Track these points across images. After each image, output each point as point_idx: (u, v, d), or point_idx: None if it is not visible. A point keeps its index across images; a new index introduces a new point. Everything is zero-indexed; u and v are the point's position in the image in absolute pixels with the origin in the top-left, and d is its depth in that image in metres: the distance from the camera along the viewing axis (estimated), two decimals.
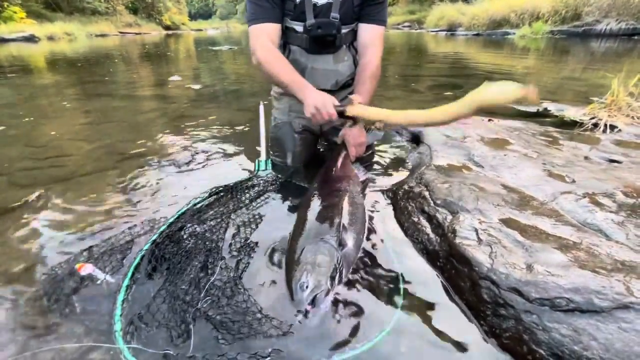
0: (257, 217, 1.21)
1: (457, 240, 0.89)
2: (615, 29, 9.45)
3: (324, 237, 0.92)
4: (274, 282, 0.91)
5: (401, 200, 1.23)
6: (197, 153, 1.84)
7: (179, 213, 1.18)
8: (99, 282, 0.91)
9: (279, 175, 1.46)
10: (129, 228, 1.13)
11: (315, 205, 1.13)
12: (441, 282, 0.89)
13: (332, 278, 0.81)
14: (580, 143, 1.63)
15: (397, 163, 1.67)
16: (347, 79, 1.52)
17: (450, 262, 0.88)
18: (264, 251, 1.03)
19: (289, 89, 1.27)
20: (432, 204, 1.09)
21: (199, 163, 1.71)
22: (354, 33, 1.44)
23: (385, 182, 1.47)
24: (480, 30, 13.37)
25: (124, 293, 0.86)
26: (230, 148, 1.91)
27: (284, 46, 1.45)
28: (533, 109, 2.58)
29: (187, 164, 1.70)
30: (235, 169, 1.64)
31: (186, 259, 0.96)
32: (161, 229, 1.09)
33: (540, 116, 2.43)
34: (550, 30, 10.88)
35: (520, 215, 0.95)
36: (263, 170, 1.50)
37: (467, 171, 1.31)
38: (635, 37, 8.84)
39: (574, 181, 1.13)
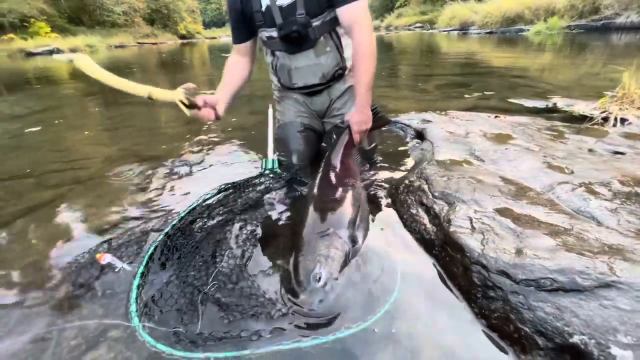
0: (262, 211, 1.27)
1: (452, 229, 0.92)
2: (637, 22, 9.14)
3: (336, 231, 0.95)
4: (276, 269, 0.97)
5: (401, 194, 1.27)
6: (208, 154, 1.93)
7: (190, 208, 1.25)
8: (117, 269, 0.99)
9: (285, 173, 1.52)
10: (144, 222, 1.22)
11: (323, 195, 1.16)
12: (436, 268, 0.93)
13: (341, 270, 0.86)
14: (586, 136, 1.62)
15: (401, 159, 1.70)
16: (334, 69, 1.50)
17: (445, 250, 0.92)
18: (268, 242, 1.09)
19: None
20: (430, 196, 1.13)
21: (210, 163, 1.80)
22: (331, 22, 1.40)
23: (388, 177, 1.51)
24: (493, 28, 13.16)
25: (139, 279, 0.93)
26: (239, 148, 1.99)
27: (273, 54, 1.52)
28: (542, 105, 2.56)
29: (199, 164, 1.78)
30: (243, 168, 1.72)
31: (196, 249, 1.03)
32: (173, 223, 1.16)
33: (549, 112, 2.40)
34: (567, 25, 10.60)
35: (515, 204, 0.98)
36: (269, 169, 1.56)
37: (467, 165, 1.33)
38: None
39: (572, 172, 1.14)
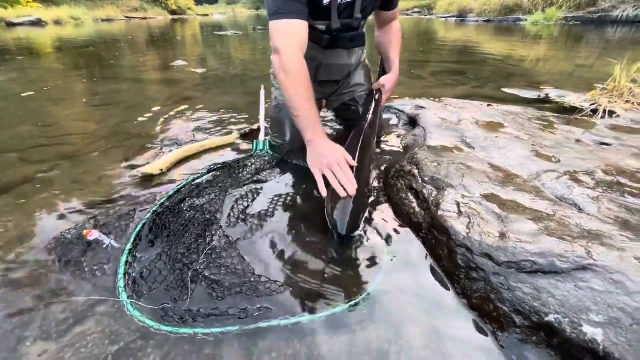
0: (253, 191, 1.27)
1: (439, 213, 0.94)
2: (632, 16, 9.15)
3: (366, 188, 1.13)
4: (267, 247, 0.98)
5: (392, 179, 1.28)
6: (198, 133, 1.89)
7: (179, 187, 1.24)
8: (104, 246, 0.98)
9: (276, 155, 1.51)
10: (132, 200, 1.21)
11: (363, 152, 1.22)
12: (422, 251, 0.95)
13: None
14: (574, 127, 1.64)
15: (392, 144, 1.71)
16: (354, 65, 1.57)
17: (432, 233, 0.94)
18: (258, 221, 1.10)
19: (299, 119, 1.12)
20: (420, 181, 1.14)
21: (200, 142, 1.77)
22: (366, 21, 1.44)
23: (379, 162, 1.52)
24: (491, 16, 13.03)
25: (127, 256, 0.93)
26: (230, 129, 1.96)
27: None
28: (534, 95, 2.57)
29: (188, 143, 1.75)
30: (234, 149, 1.70)
31: (185, 227, 1.03)
32: (161, 201, 1.16)
33: (541, 102, 2.42)
34: (564, 16, 10.56)
35: (502, 191, 1.00)
36: (260, 150, 1.55)
37: (458, 152, 1.34)
38: None
39: (559, 161, 1.16)
